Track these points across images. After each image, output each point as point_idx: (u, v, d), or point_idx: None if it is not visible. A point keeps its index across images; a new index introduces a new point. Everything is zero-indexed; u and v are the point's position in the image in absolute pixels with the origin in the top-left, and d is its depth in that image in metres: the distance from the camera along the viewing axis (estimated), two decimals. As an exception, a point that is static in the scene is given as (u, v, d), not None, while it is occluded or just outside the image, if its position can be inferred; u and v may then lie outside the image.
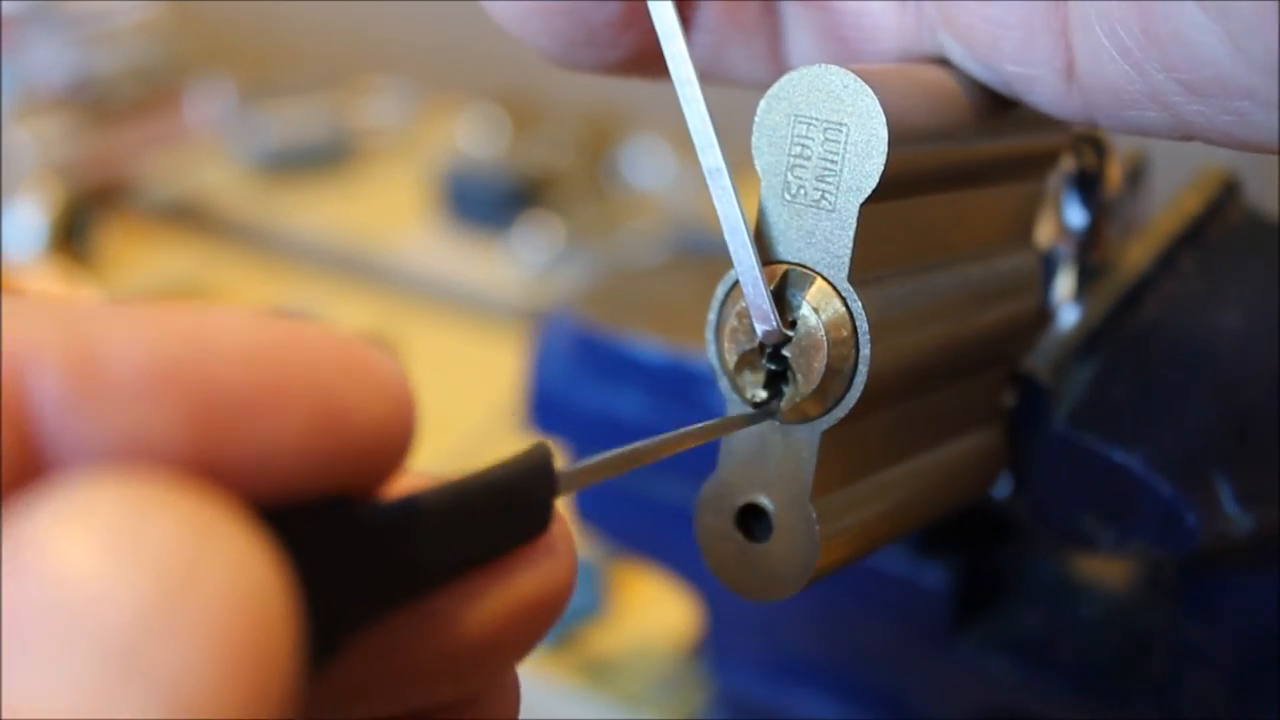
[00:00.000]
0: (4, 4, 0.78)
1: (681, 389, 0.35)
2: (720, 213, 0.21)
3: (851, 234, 0.22)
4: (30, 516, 0.12)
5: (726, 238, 0.21)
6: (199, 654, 0.12)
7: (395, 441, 0.16)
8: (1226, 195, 0.33)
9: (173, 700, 0.11)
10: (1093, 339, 0.29)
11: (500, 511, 0.17)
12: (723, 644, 0.38)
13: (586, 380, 0.37)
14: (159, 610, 0.12)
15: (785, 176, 0.22)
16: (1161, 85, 0.20)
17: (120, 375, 0.13)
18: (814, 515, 0.22)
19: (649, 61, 0.24)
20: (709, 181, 0.21)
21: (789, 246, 0.22)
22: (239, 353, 0.14)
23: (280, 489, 0.14)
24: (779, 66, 0.25)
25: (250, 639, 0.12)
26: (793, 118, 0.22)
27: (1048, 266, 0.30)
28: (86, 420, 0.13)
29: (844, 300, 0.22)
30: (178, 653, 0.12)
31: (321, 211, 0.73)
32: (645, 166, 0.72)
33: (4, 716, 0.11)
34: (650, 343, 0.36)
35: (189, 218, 0.74)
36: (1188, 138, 0.22)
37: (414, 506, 0.16)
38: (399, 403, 0.15)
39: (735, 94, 0.26)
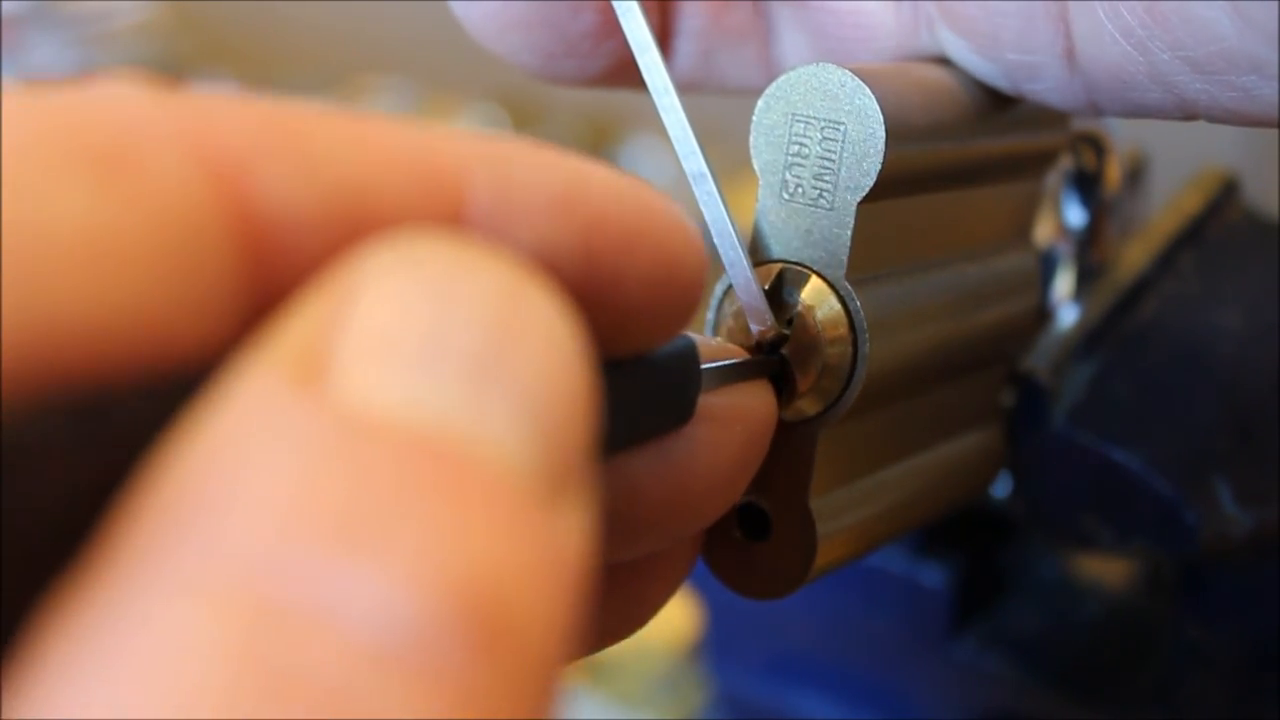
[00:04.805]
0: (4, 4, 0.79)
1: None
2: (707, 217, 0.21)
3: (849, 233, 0.22)
4: (365, 259, 0.13)
5: (716, 242, 0.21)
6: (547, 365, 0.13)
7: (692, 299, 0.17)
8: (1225, 195, 0.33)
9: (533, 404, 0.12)
10: (1092, 338, 0.29)
11: (653, 394, 0.19)
12: (722, 644, 0.38)
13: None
14: (502, 333, 0.13)
15: (783, 175, 0.22)
16: (1165, 64, 0.20)
17: (531, 199, 0.15)
18: (812, 514, 0.22)
19: (633, 70, 0.24)
20: (694, 187, 0.21)
21: (787, 245, 0.22)
22: (614, 192, 0.16)
23: (619, 325, 0.16)
24: (770, 71, 0.25)
25: (575, 366, 0.13)
26: (790, 116, 0.22)
27: (1046, 266, 0.30)
28: (505, 233, 0.15)
29: (841, 299, 0.22)
30: (528, 363, 0.13)
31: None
32: (645, 166, 0.72)
33: (378, 424, 0.12)
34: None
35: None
36: (1190, 117, 0.21)
37: (606, 365, 0.17)
38: (703, 265, 0.17)
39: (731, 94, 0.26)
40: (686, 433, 0.19)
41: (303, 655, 0.10)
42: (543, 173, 0.15)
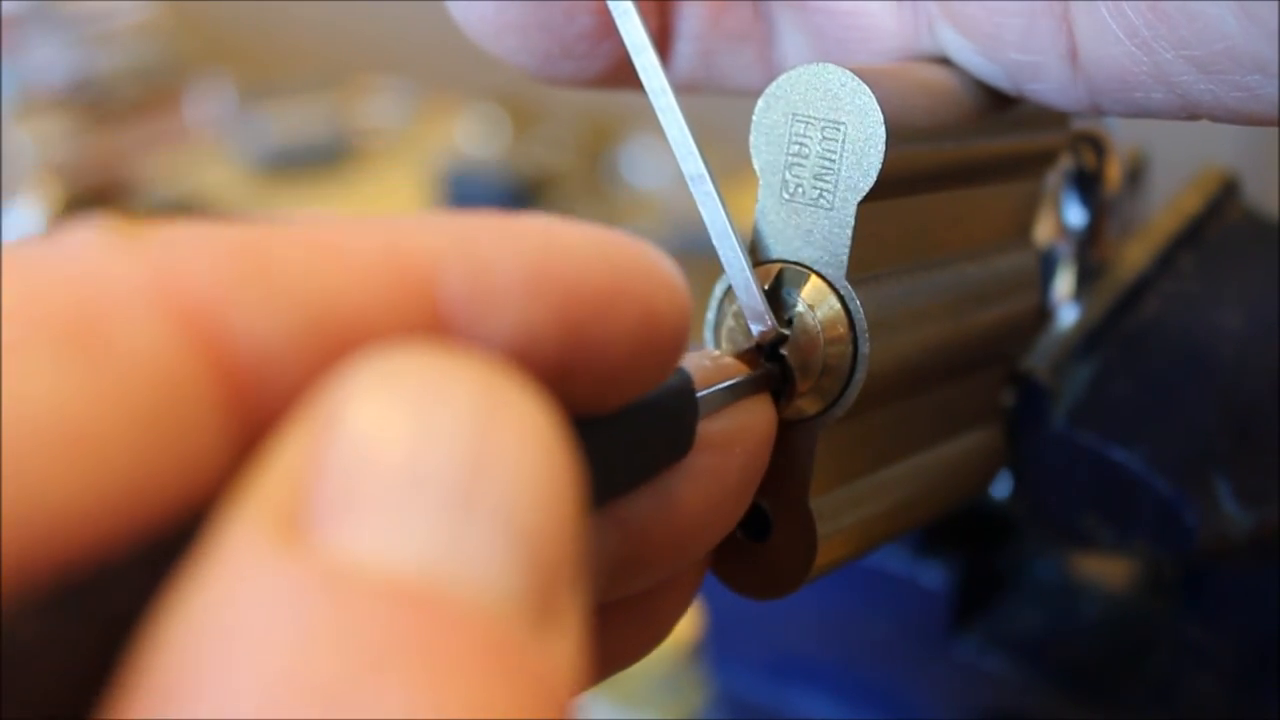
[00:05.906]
0: (4, 4, 0.79)
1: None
2: (706, 218, 0.21)
3: (849, 232, 0.22)
4: (337, 389, 0.13)
5: (715, 243, 0.21)
6: (528, 485, 0.13)
7: (677, 347, 0.17)
8: (1225, 195, 0.33)
9: (515, 531, 0.12)
10: (1092, 338, 0.29)
11: (650, 435, 0.18)
12: (723, 644, 0.38)
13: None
14: (481, 454, 0.12)
15: (783, 175, 0.22)
16: (1169, 64, 0.20)
17: (504, 280, 0.15)
18: (812, 514, 0.22)
19: (632, 72, 0.24)
20: (692, 188, 0.21)
21: (787, 245, 0.22)
22: (588, 255, 0.15)
23: (605, 385, 0.16)
24: (770, 72, 0.25)
25: (559, 478, 0.13)
26: (791, 116, 0.22)
27: (1047, 265, 0.30)
28: (482, 320, 0.15)
29: (841, 298, 0.22)
30: (509, 488, 0.12)
31: (321, 211, 0.73)
32: (645, 166, 0.72)
33: (361, 579, 0.12)
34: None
35: (189, 217, 0.74)
36: (1193, 117, 0.21)
37: (598, 420, 0.17)
38: (685, 313, 0.17)
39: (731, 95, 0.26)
40: (686, 465, 0.19)
41: None
42: (514, 249, 0.15)
